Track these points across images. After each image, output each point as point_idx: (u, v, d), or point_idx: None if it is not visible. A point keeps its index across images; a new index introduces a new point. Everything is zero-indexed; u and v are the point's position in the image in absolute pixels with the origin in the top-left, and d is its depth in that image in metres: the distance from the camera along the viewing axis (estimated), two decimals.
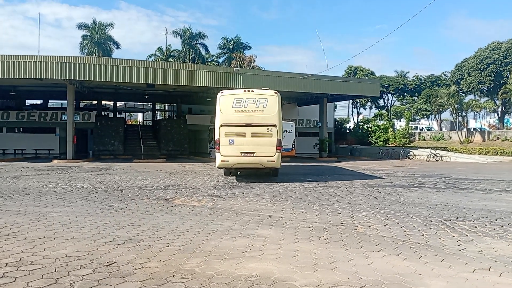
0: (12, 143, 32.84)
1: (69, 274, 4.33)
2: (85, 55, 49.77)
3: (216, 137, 14.12)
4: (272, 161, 13.95)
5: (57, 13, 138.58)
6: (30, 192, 11.13)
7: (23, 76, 24.07)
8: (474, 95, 51.69)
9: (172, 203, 9.43)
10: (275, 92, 14.40)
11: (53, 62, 24.19)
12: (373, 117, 51.38)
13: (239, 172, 16.37)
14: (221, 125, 14.02)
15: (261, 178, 15.15)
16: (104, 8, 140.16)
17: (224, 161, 14.11)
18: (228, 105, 14.14)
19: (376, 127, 44.60)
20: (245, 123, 13.93)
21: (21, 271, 4.39)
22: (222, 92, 14.58)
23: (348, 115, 63.72)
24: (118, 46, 57.12)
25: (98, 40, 53.67)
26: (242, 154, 13.92)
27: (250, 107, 14.02)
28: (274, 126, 13.87)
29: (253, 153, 13.91)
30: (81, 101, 42.31)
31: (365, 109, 63.52)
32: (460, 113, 46.14)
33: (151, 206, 8.86)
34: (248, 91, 14.71)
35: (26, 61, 24.14)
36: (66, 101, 28.90)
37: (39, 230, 6.37)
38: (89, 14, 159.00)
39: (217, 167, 14.79)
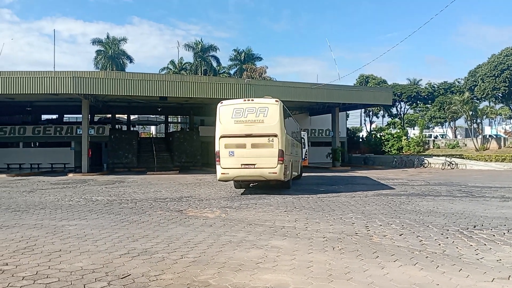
0: (28, 157, 33.39)
1: (84, 287, 4.36)
2: (99, 70, 50.65)
3: (216, 149, 13.70)
4: (273, 173, 13.27)
5: (71, 29, 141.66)
6: (46, 205, 11.27)
7: (39, 91, 24.58)
8: (489, 102, 51.01)
9: (186, 214, 9.45)
10: (276, 101, 13.81)
11: (68, 77, 24.66)
12: (386, 126, 51.06)
13: (251, 185, 16.02)
14: (221, 137, 13.61)
15: (274, 189, 15.09)
16: (117, 24, 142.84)
17: (224, 173, 13.62)
18: (228, 116, 13.73)
19: (389, 136, 44.27)
20: (245, 133, 13.42)
21: (38, 284, 4.44)
22: (221, 103, 14.19)
23: (361, 124, 63.37)
24: (131, 60, 58.14)
25: (111, 55, 54.65)
26: (243, 166, 13.37)
27: (250, 117, 13.50)
28: (275, 136, 13.26)
29: (254, 164, 13.30)
30: (95, 115, 42.95)
31: (377, 117, 63.15)
32: (475, 120, 45.59)
33: (165, 218, 8.89)
34: (248, 100, 14.24)
35: (42, 77, 24.66)
36: (81, 115, 29.33)
37: (55, 243, 6.44)
38: (103, 29, 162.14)
39: (218, 180, 14.22)
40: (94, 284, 4.44)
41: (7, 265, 5.19)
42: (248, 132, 13.40)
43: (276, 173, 13.29)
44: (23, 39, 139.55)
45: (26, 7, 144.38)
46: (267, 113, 13.49)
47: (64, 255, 5.65)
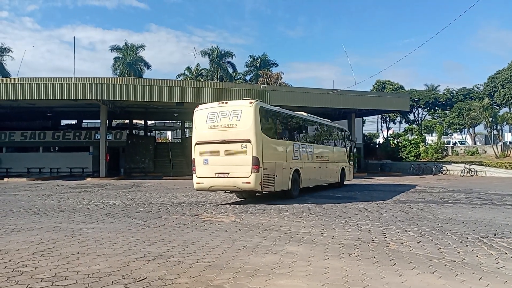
0: (48, 162, 34.01)
1: None
2: (117, 76, 51.44)
3: (192, 156, 12.94)
4: (247, 182, 11.90)
5: (91, 36, 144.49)
6: (65, 209, 11.45)
7: (59, 97, 25.13)
8: (509, 108, 50.04)
9: (201, 219, 9.48)
10: (250, 102, 12.42)
11: (87, 83, 25.20)
12: (403, 132, 50.41)
13: (256, 194, 14.36)
14: (196, 143, 12.83)
15: (286, 195, 14.99)
16: (135, 31, 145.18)
17: (199, 183, 12.73)
18: (202, 121, 12.82)
19: (406, 142, 43.67)
20: (218, 140, 12.37)
21: (56, 286, 4.50)
22: (197, 107, 13.30)
23: (377, 130, 62.76)
24: (148, 67, 58.94)
25: (129, 62, 55.48)
26: (216, 175, 12.32)
27: (223, 121, 12.40)
28: (249, 141, 11.94)
29: (228, 173, 12.16)
30: (113, 121, 43.55)
31: (394, 123, 62.46)
32: (494, 127, 44.64)
33: (181, 223, 8.93)
34: (222, 103, 13.15)
35: (62, 83, 25.25)
36: (99, 121, 29.84)
37: (73, 246, 6.53)
38: (121, 37, 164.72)
39: (196, 189, 13.30)
40: (111, 287, 4.47)
41: (26, 266, 5.28)
42: (221, 138, 12.36)
43: (249, 183, 11.91)
44: (44, 47, 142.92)
45: (47, 16, 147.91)
46: (240, 116, 12.26)
47: (82, 258, 5.72)
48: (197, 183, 12.85)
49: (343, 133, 21.37)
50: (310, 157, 16.13)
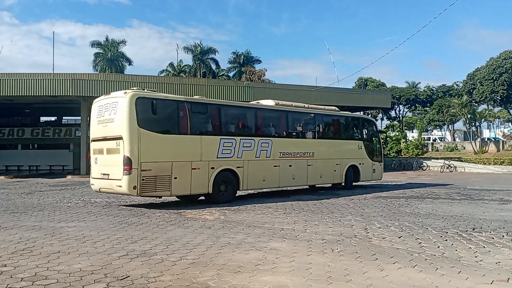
0: (27, 159, 33.27)
1: None
2: (98, 72, 50.58)
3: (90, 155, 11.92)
4: (119, 186, 10.32)
5: (71, 31, 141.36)
6: (45, 207, 11.25)
7: (38, 93, 24.61)
8: (487, 105, 51.17)
9: (185, 216, 9.44)
10: (125, 92, 10.57)
11: (67, 79, 24.72)
12: (384, 128, 51.06)
13: (198, 198, 12.54)
14: (91, 141, 11.80)
15: (273, 191, 15.07)
16: (117, 26, 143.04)
17: (92, 184, 11.62)
18: (94, 116, 11.62)
19: (388, 138, 44.27)
20: (102, 136, 11.13)
21: (36, 286, 4.42)
22: (94, 100, 12.00)
23: None
24: (130, 63, 58.00)
25: (110, 57, 54.50)
26: (101, 176, 11.09)
27: (106, 116, 10.99)
28: (121, 138, 10.30)
29: (108, 174, 10.81)
30: None
31: (376, 120, 63.24)
32: (473, 123, 45.58)
33: (164, 220, 8.88)
34: (107, 95, 11.62)
35: (40, 79, 24.71)
36: (79, 117, 29.33)
37: (53, 245, 6.42)
38: (102, 32, 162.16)
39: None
40: (93, 286, 4.42)
41: (5, 266, 5.17)
42: (103, 135, 11.07)
43: (121, 186, 10.29)
44: (23, 42, 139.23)
45: (26, 10, 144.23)
46: (117, 109, 10.61)
47: (63, 257, 5.64)
48: (91, 184, 11.81)
49: (356, 122, 17.61)
50: (266, 153, 13.21)
